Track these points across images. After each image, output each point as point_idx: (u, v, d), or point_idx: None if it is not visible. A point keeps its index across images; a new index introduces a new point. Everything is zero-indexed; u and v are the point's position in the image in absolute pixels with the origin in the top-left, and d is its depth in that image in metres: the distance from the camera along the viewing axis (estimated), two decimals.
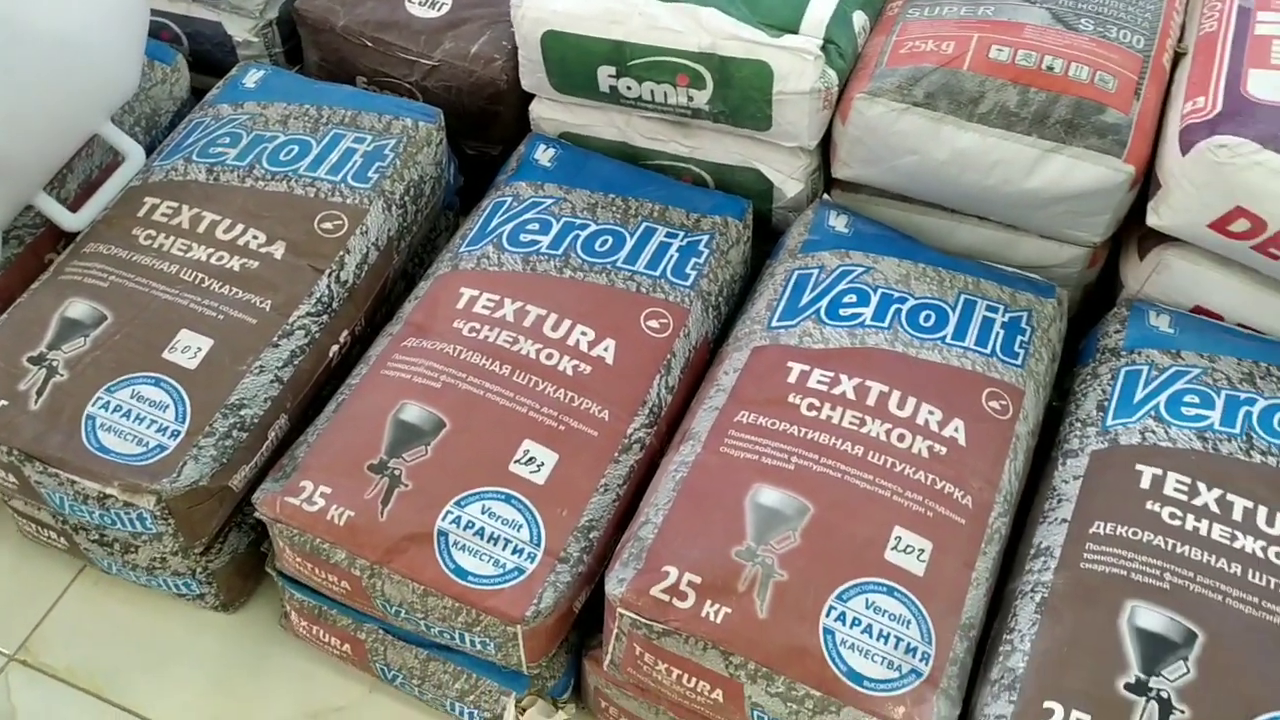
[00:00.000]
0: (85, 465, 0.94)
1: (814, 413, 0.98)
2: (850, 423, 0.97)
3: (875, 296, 1.07)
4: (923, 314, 1.06)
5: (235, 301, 1.04)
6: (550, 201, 1.15)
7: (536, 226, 1.12)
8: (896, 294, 1.07)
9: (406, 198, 1.16)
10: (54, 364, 0.99)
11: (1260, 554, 0.90)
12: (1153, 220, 1.07)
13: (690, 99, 1.15)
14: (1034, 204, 1.10)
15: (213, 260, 1.06)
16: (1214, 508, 0.92)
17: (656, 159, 1.23)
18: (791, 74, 1.10)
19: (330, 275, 1.07)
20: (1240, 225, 1.02)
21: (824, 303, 1.07)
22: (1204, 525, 0.91)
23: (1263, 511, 0.92)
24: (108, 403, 0.97)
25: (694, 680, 0.88)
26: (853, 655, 0.85)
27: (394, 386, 1.00)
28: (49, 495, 0.98)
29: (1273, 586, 0.88)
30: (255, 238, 1.08)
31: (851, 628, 0.86)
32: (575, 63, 1.17)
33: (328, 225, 1.10)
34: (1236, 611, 0.86)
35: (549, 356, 1.02)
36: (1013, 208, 1.12)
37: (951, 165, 1.09)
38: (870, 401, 0.98)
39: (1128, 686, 0.83)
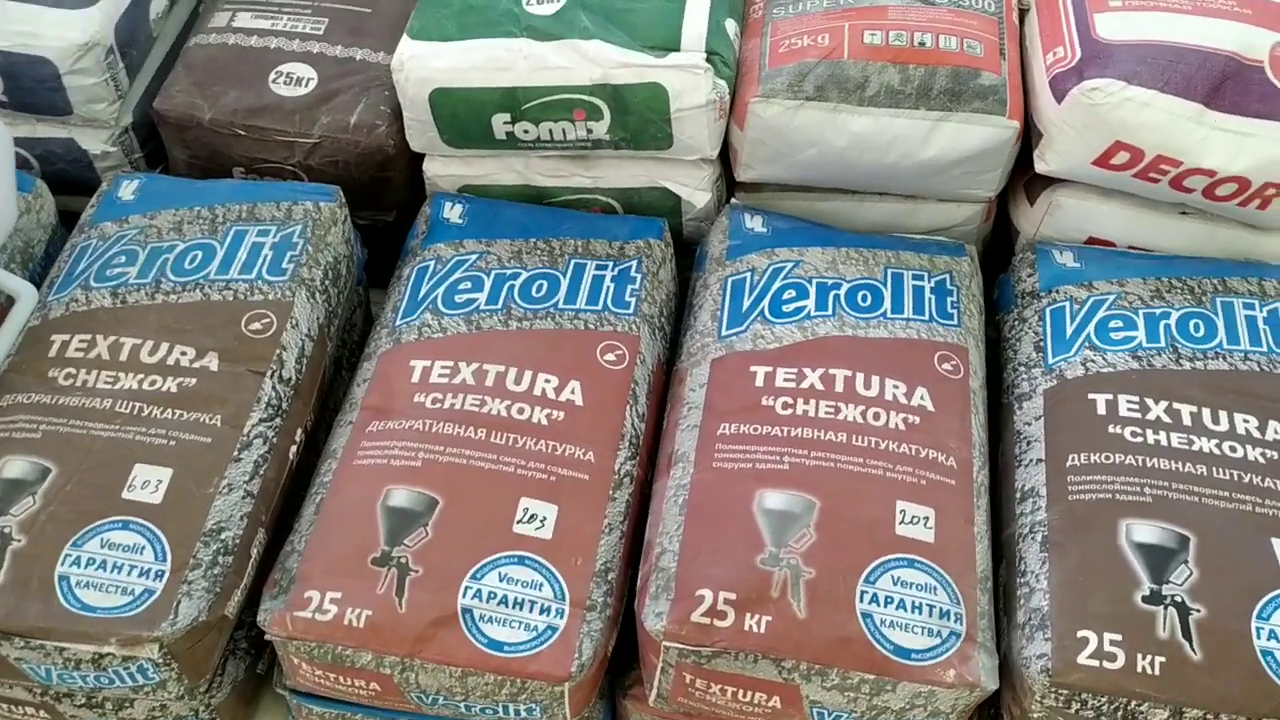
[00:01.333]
0: (73, 628, 0.88)
1: (790, 410, 1.01)
2: (826, 412, 1.00)
3: (812, 288, 1.10)
4: (859, 295, 1.10)
5: (183, 424, 0.99)
6: (474, 257, 1.14)
7: (469, 285, 1.11)
8: (830, 281, 1.11)
9: (326, 282, 1.13)
10: (6, 531, 0.92)
11: (1216, 451, 0.98)
12: (1041, 167, 1.15)
13: (590, 131, 1.16)
14: (932, 172, 1.16)
15: (146, 387, 1.01)
16: (1166, 419, 1.00)
17: (562, 195, 1.24)
18: (685, 90, 1.12)
19: (272, 376, 1.04)
20: (1121, 158, 1.11)
21: (765, 303, 1.10)
22: (1163, 436, 0.99)
23: (1206, 413, 1.01)
24: (78, 558, 0.91)
25: (750, 694, 0.90)
26: (894, 632, 0.88)
27: (373, 474, 0.98)
28: (33, 670, 0.92)
29: (1236, 479, 0.96)
30: (184, 354, 1.04)
31: (886, 607, 0.89)
32: (467, 116, 1.16)
33: (256, 326, 1.06)
34: (1214, 508, 0.94)
35: (520, 411, 1.02)
36: (913, 179, 1.18)
37: (851, 150, 1.14)
38: (839, 388, 1.02)
39: (1145, 599, 0.89)
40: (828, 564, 0.91)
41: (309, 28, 1.29)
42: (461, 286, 1.12)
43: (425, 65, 1.14)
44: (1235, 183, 1.10)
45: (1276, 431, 1.00)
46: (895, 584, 0.90)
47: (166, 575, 0.91)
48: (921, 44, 1.13)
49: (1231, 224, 1.17)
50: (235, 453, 0.98)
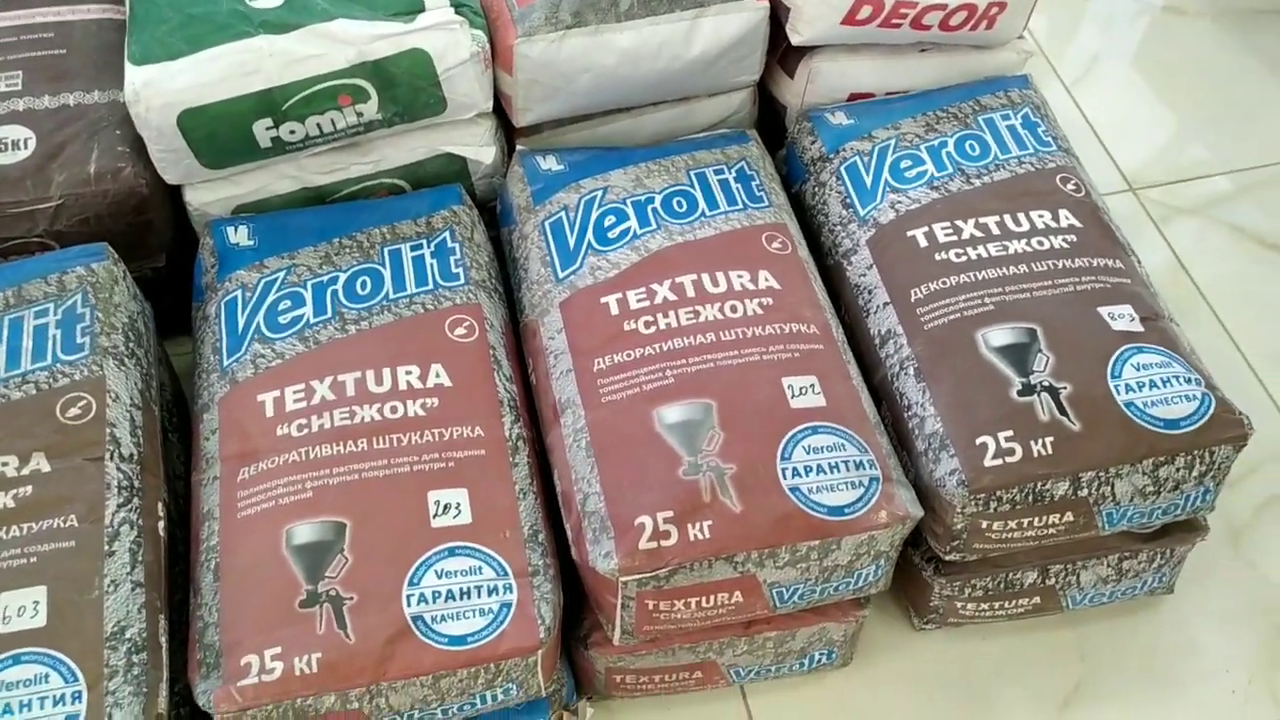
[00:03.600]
0: None
1: (653, 328, 1.02)
2: (687, 319, 1.03)
3: (629, 208, 1.12)
4: (674, 201, 1.13)
5: (37, 536, 0.89)
6: (283, 273, 1.08)
7: (289, 302, 1.06)
8: (643, 197, 1.13)
9: (131, 344, 1.04)
10: None
11: (1029, 248, 1.07)
12: (795, 39, 1.20)
13: (360, 115, 1.11)
14: (700, 68, 1.19)
15: None
16: (978, 233, 1.09)
17: (344, 189, 1.19)
18: (447, 49, 1.10)
19: (113, 458, 0.95)
20: (865, 12, 1.17)
21: (590, 234, 1.10)
22: (981, 249, 1.07)
23: (1008, 219, 1.10)
24: None
25: (712, 598, 0.92)
26: (823, 495, 0.93)
27: (264, 520, 0.92)
28: None
29: (1053, 266, 1.05)
30: (6, 464, 0.93)
31: (808, 475, 0.93)
32: (225, 131, 1.09)
33: (75, 411, 0.97)
34: (1047, 297, 1.03)
35: (393, 410, 0.98)
36: (684, 79, 1.21)
37: (623, 65, 1.16)
38: (690, 293, 1.04)
39: (1019, 393, 0.97)
40: (744, 455, 0.94)
41: (4, 86, 1.17)
42: (281, 306, 1.05)
43: (164, 89, 1.05)
44: (964, 10, 1.20)
45: (1068, 217, 1.10)
46: (808, 453, 0.94)
47: (85, 695, 0.83)
48: None
49: (966, 50, 1.27)
50: (106, 547, 0.90)
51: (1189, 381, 0.99)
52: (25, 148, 1.13)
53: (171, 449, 1.08)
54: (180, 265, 1.22)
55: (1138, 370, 0.99)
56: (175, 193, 1.17)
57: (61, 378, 0.98)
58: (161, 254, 1.21)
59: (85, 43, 1.21)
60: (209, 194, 1.16)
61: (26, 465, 0.93)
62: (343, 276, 1.07)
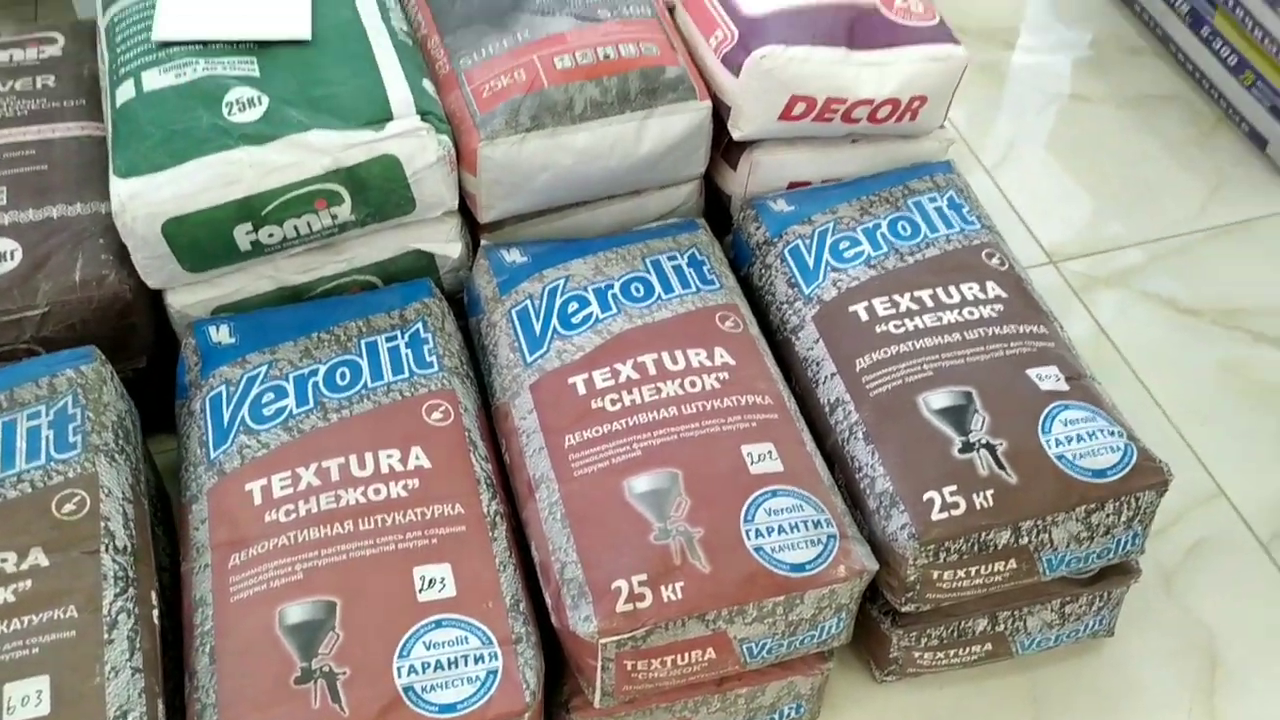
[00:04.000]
0: None
1: (618, 405, 1.09)
2: (650, 396, 1.10)
3: (590, 294, 1.19)
4: (632, 287, 1.21)
5: (39, 628, 0.93)
6: (265, 368, 1.14)
7: (272, 395, 1.11)
8: (603, 284, 1.21)
9: (120, 441, 1.09)
10: None
11: (959, 318, 1.16)
12: (737, 134, 1.30)
13: (335, 217, 1.19)
14: (649, 164, 1.29)
15: None
16: (914, 306, 1.18)
17: (320, 287, 1.25)
18: (415, 153, 1.18)
19: (108, 550, 0.99)
20: (799, 109, 1.28)
21: (555, 321, 1.17)
22: (918, 321, 1.16)
23: (940, 291, 1.19)
24: None
25: (686, 655, 0.98)
26: (785, 553, 0.99)
27: (257, 603, 0.97)
28: None
29: (984, 334, 1.14)
30: (6, 559, 0.97)
31: (770, 536, 1.00)
32: (208, 238, 1.15)
33: (69, 507, 1.01)
34: (979, 362, 1.12)
35: (377, 492, 1.04)
36: (635, 175, 1.30)
37: (579, 164, 1.25)
38: (652, 371, 1.12)
39: (960, 451, 1.05)
40: (710, 519, 1.00)
41: None
42: (265, 399, 1.11)
43: (149, 200, 1.12)
44: (889, 104, 1.31)
45: (994, 288, 1.20)
46: (770, 514, 1.01)
47: None
48: (606, 57, 1.25)
49: (894, 139, 1.38)
50: (105, 635, 0.94)
51: (1112, 434, 1.08)
52: (12, 259, 1.19)
53: (159, 541, 1.12)
54: (159, 365, 1.27)
55: (1066, 425, 1.07)
56: (155, 296, 1.23)
57: (56, 475, 1.03)
58: (143, 355, 1.26)
59: (66, 159, 1.28)
60: (190, 296, 1.22)
61: (25, 560, 0.97)
62: (322, 368, 1.14)
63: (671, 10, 1.38)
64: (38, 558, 0.98)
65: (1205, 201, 1.66)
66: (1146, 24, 1.92)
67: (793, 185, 1.37)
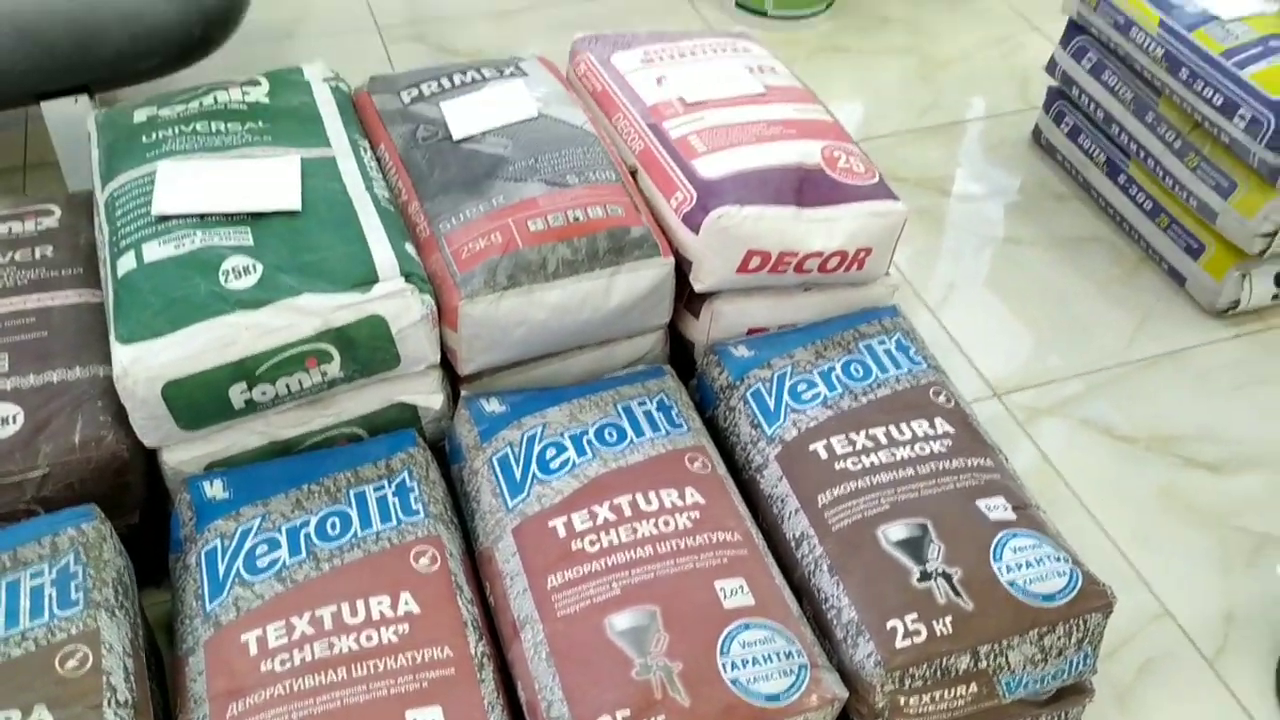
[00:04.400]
0: None
1: (597, 545, 1.16)
2: (627, 536, 1.17)
3: (567, 440, 1.27)
4: (605, 432, 1.29)
5: None
6: (258, 521, 1.19)
7: (265, 547, 1.17)
8: (578, 429, 1.28)
9: (120, 596, 1.13)
10: None
11: (911, 454, 1.25)
12: (699, 286, 1.41)
13: (324, 375, 1.26)
14: (617, 316, 1.38)
15: None
16: (868, 443, 1.26)
17: (309, 439, 1.32)
18: (400, 313, 1.26)
19: (110, 704, 1.03)
20: (755, 262, 1.39)
21: (534, 467, 1.25)
22: (874, 457, 1.25)
23: (893, 429, 1.28)
24: None
25: None
26: (760, 684, 1.05)
27: None
28: None
29: (935, 468, 1.23)
30: (10, 718, 1.00)
31: (745, 668, 1.06)
32: (205, 398, 1.22)
33: (72, 664, 1.05)
34: (931, 495, 1.20)
35: (368, 638, 1.09)
36: (604, 326, 1.39)
37: (552, 319, 1.34)
38: (628, 512, 1.19)
39: (918, 580, 1.13)
40: (687, 653, 1.06)
41: None
42: (259, 551, 1.16)
43: (150, 365, 1.19)
44: (837, 256, 1.42)
45: (942, 424, 1.29)
46: (743, 647, 1.07)
47: None
48: (576, 219, 1.35)
49: (843, 287, 1.49)
50: None
51: (1058, 560, 1.15)
52: (14, 423, 1.24)
53: (155, 695, 1.16)
54: (151, 520, 1.32)
55: (1015, 553, 1.15)
56: (149, 453, 1.29)
57: (59, 632, 1.07)
58: (136, 511, 1.31)
59: (65, 325, 1.35)
60: (184, 453, 1.28)
61: (29, 718, 1.00)
62: (314, 519, 1.19)
63: (634, 173, 1.50)
64: (41, 715, 1.01)
65: (1134, 334, 1.78)
66: (1069, 172, 2.08)
67: (752, 331, 1.47)
